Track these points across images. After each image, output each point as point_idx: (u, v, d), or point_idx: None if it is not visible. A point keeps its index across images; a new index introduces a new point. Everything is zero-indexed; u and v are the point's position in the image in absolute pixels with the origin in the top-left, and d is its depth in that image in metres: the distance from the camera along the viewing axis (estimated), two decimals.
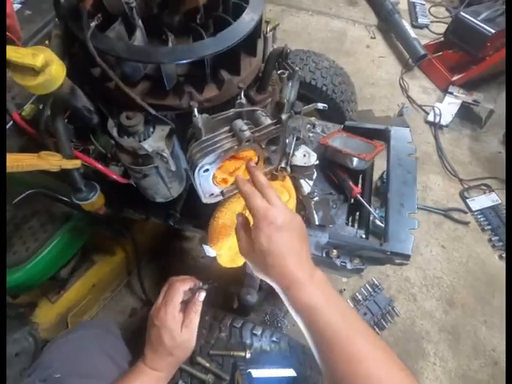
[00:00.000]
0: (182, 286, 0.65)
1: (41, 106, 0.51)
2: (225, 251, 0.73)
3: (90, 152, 0.69)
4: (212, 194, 0.63)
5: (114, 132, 0.51)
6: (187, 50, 0.44)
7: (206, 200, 0.63)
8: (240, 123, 0.54)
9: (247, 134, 0.53)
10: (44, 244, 0.69)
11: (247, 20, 0.48)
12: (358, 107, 1.38)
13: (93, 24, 0.43)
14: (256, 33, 0.51)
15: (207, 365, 0.61)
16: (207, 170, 0.54)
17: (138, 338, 0.73)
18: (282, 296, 0.44)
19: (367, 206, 0.79)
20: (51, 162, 0.46)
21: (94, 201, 0.57)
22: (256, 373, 0.57)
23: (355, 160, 0.81)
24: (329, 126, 1.00)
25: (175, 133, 0.59)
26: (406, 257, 0.67)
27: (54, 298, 0.92)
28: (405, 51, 2.17)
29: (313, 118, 1.00)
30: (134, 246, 0.99)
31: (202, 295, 0.64)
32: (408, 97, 1.98)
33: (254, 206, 0.46)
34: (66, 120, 0.62)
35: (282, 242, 0.43)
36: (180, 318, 0.62)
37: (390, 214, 0.73)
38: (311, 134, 0.97)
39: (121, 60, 0.44)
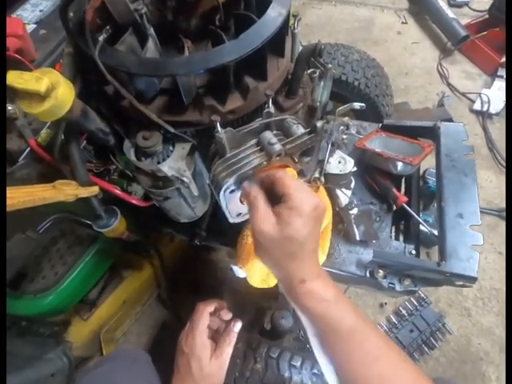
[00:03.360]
0: (206, 308, 0.62)
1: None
2: (256, 272, 0.67)
3: (111, 172, 0.66)
4: (240, 214, 0.57)
5: (132, 154, 0.47)
6: (205, 58, 0.38)
7: (233, 220, 0.57)
8: (269, 135, 0.47)
9: (277, 147, 0.46)
10: (71, 268, 0.67)
11: (273, 16, 0.41)
12: (393, 101, 1.26)
13: (101, 38, 0.39)
14: (284, 30, 0.44)
15: None
16: (234, 191, 0.48)
17: (171, 352, 0.70)
18: (288, 291, 0.40)
19: (417, 217, 0.68)
20: (66, 192, 0.43)
21: (115, 227, 0.53)
22: None
23: (400, 164, 0.71)
24: (364, 126, 0.89)
25: (198, 149, 0.54)
26: (471, 279, 0.57)
27: (86, 315, 0.92)
28: (442, 34, 1.97)
29: (346, 118, 0.90)
30: (160, 261, 0.96)
31: (238, 326, 0.59)
32: (449, 84, 1.79)
33: (295, 186, 0.38)
34: (85, 141, 0.59)
35: (316, 234, 0.40)
36: (209, 345, 0.59)
37: (447, 226, 0.62)
38: (345, 137, 0.88)
39: (133, 75, 0.39)
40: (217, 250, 1.27)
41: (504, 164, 1.46)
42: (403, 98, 1.75)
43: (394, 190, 0.72)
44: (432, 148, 0.73)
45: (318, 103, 0.66)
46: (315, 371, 0.60)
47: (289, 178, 0.40)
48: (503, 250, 1.24)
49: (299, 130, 0.51)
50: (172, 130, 0.44)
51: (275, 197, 0.40)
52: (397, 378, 0.37)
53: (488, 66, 1.79)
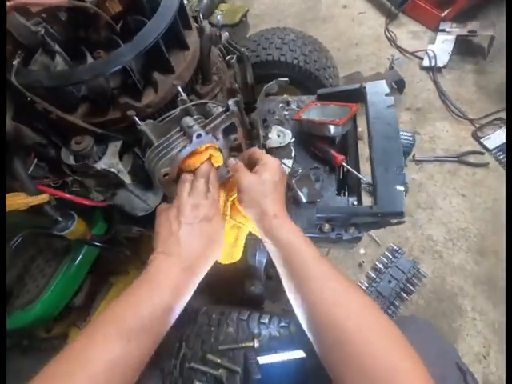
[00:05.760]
0: (186, 177, 0.54)
1: None
2: None
3: (69, 184, 0.72)
4: None
5: (71, 159, 0.53)
6: (104, 63, 0.43)
7: None
8: (188, 120, 0.53)
9: (195, 128, 0.52)
10: (51, 278, 0.73)
11: (162, 15, 0.47)
12: (338, 71, 1.32)
13: (15, 62, 0.44)
14: (177, 26, 0.50)
15: (218, 360, 0.61)
16: (167, 175, 0.54)
17: None
18: (262, 226, 0.50)
19: (353, 170, 0.75)
20: (18, 202, 0.48)
21: (75, 228, 0.59)
22: (263, 359, 0.57)
23: (332, 127, 0.77)
24: (303, 100, 0.96)
25: (137, 145, 0.60)
26: (399, 214, 0.63)
27: (83, 324, 0.98)
28: (385, 0, 2.04)
29: (285, 96, 0.97)
30: (142, 263, 1.02)
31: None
32: (398, 47, 1.86)
33: (264, 153, 0.56)
34: (36, 159, 0.65)
35: (281, 185, 0.54)
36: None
37: (376, 173, 0.69)
38: (287, 113, 0.94)
39: (48, 88, 0.45)
40: None
41: (458, 112, 1.53)
42: (356, 67, 1.80)
43: (332, 152, 0.78)
44: (357, 107, 0.79)
45: (244, 83, 0.72)
46: (282, 324, 0.66)
47: (259, 150, 0.58)
48: (466, 192, 1.31)
49: (218, 111, 0.57)
50: (99, 130, 0.50)
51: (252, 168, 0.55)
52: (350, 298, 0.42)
53: (431, 22, 1.86)
